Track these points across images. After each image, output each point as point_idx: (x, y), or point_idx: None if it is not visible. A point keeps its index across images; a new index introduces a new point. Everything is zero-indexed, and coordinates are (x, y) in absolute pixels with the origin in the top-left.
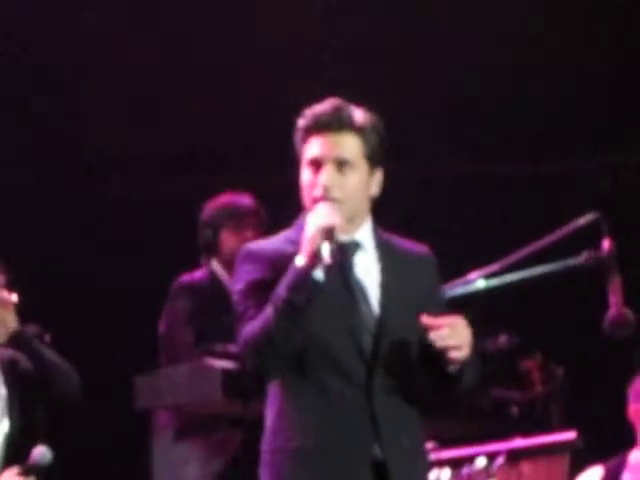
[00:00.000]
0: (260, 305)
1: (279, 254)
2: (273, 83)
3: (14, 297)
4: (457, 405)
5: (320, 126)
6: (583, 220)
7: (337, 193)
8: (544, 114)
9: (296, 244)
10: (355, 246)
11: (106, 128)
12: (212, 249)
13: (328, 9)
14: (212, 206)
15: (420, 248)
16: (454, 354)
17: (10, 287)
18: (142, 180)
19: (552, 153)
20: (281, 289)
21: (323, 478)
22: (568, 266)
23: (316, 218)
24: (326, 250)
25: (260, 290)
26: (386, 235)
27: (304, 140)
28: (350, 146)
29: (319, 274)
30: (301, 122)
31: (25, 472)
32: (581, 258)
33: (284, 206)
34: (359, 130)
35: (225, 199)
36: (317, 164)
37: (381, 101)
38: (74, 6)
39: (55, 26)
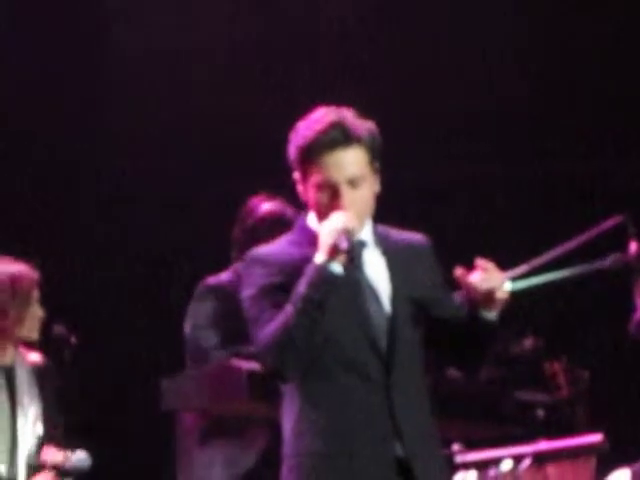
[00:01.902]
0: (274, 307)
1: (285, 257)
2: None
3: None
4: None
5: (326, 147)
6: (610, 222)
7: (356, 209)
8: (571, 114)
9: (299, 245)
10: (361, 245)
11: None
12: (245, 251)
13: None
14: (257, 210)
15: (416, 237)
16: (499, 295)
17: (41, 285)
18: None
19: (580, 154)
20: (301, 287)
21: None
22: (594, 268)
23: (333, 220)
24: (344, 242)
25: (272, 293)
26: (382, 228)
27: (307, 160)
28: (358, 161)
29: (337, 268)
30: (300, 141)
31: (61, 475)
32: (607, 260)
33: None
34: (362, 141)
35: (271, 208)
36: (330, 186)
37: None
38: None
39: None
